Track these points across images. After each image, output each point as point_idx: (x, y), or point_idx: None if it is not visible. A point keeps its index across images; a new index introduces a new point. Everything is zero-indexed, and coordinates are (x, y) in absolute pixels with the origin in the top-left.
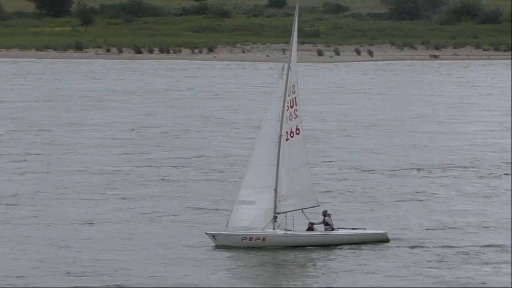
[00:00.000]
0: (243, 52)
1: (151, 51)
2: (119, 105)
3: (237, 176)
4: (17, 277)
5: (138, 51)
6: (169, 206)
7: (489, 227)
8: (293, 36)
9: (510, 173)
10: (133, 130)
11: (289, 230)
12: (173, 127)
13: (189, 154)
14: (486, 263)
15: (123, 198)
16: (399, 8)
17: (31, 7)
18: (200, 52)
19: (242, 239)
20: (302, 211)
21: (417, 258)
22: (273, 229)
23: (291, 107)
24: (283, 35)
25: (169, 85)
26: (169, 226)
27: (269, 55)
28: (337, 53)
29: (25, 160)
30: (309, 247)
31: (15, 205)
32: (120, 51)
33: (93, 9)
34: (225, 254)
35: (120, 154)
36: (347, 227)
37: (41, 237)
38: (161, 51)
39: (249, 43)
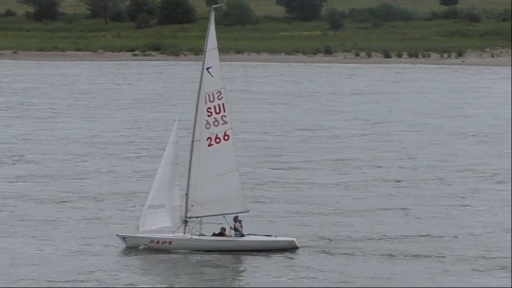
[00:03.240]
0: (492, 56)
1: (399, 56)
2: (280, 107)
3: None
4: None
5: (387, 56)
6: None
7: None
8: (206, 42)
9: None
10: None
11: (202, 235)
12: (318, 130)
13: (321, 157)
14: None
15: None
16: None
17: (281, 11)
18: (449, 56)
19: (150, 242)
20: (224, 216)
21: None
22: (184, 233)
23: (217, 113)
24: None
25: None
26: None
27: None
28: None
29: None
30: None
31: (102, 205)
32: (369, 56)
33: (342, 13)
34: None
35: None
36: (258, 234)
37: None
38: (410, 56)
39: (498, 48)
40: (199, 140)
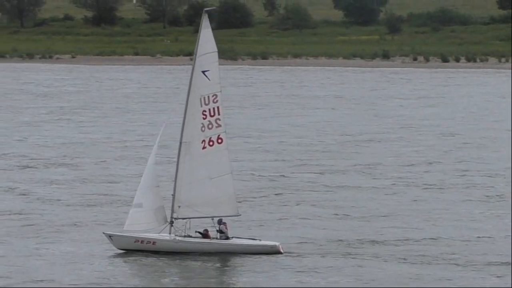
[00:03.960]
0: None
1: (457, 60)
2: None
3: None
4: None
5: (445, 60)
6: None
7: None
8: (197, 47)
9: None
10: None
11: (188, 236)
12: (354, 134)
13: (352, 161)
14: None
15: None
16: None
17: (338, 16)
18: (507, 61)
19: (135, 241)
20: (212, 219)
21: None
22: (170, 233)
23: (212, 116)
24: None
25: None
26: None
27: None
28: None
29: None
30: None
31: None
32: (427, 60)
33: (400, 18)
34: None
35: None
36: (242, 237)
37: None
38: (468, 60)
39: None
40: (185, 142)
